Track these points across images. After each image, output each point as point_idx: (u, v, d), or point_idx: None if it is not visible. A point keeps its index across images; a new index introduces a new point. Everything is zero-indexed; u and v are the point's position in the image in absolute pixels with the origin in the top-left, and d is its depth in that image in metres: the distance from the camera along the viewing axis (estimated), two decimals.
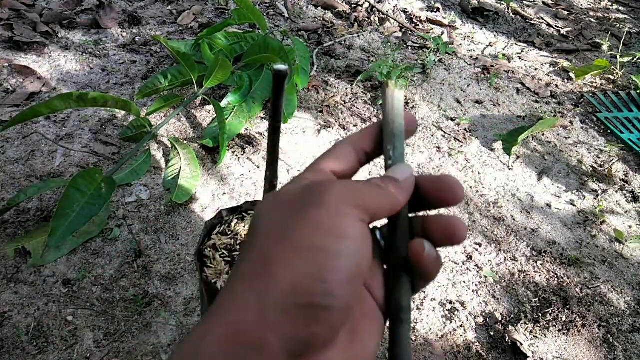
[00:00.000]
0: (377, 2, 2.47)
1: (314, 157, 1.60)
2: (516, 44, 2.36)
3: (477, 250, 1.36)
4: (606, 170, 1.66)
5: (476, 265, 1.32)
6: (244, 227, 0.84)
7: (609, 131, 1.85)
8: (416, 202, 0.34)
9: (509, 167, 1.65)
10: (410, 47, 2.21)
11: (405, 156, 0.35)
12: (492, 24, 2.50)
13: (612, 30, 2.53)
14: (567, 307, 1.24)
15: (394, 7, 2.49)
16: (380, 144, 0.36)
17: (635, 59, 2.20)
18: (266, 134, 1.64)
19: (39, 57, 1.82)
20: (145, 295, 1.15)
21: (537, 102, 1.97)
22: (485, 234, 1.41)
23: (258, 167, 1.52)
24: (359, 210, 0.29)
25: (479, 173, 1.61)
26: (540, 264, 1.34)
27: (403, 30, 2.33)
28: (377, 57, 2.09)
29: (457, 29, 2.42)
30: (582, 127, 1.87)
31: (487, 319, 1.20)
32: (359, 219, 0.29)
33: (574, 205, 1.54)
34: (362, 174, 1.54)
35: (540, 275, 1.31)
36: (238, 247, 0.81)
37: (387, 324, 0.32)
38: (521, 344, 1.13)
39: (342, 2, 2.45)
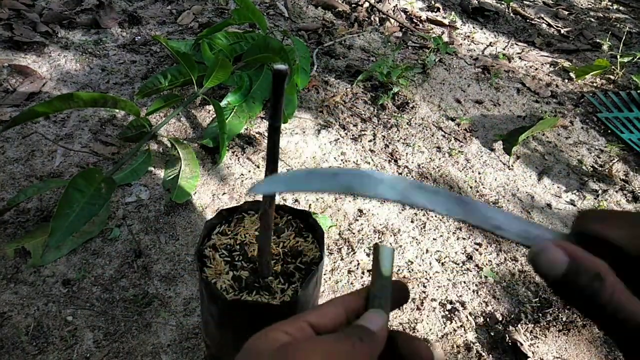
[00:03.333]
0: (377, 2, 2.47)
1: (314, 157, 1.61)
2: (516, 44, 2.35)
3: (477, 250, 1.36)
4: (606, 170, 1.66)
5: (476, 266, 1.32)
6: (243, 227, 0.84)
7: (609, 131, 1.85)
8: (388, 356, 0.34)
9: (509, 167, 1.65)
10: (410, 47, 2.21)
11: (387, 308, 0.36)
12: (492, 23, 2.50)
13: (612, 30, 2.53)
14: (568, 307, 1.24)
15: (394, 6, 2.48)
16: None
17: (635, 59, 2.20)
18: (266, 134, 1.64)
19: (38, 57, 1.82)
20: (145, 295, 1.15)
21: (537, 102, 1.97)
22: (485, 234, 1.41)
23: (258, 167, 1.51)
24: None
25: (479, 173, 1.61)
26: None
27: (403, 30, 2.33)
28: (377, 57, 2.09)
29: (457, 28, 2.42)
30: (582, 127, 1.86)
31: (488, 319, 1.20)
32: None
33: (575, 205, 1.54)
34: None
35: None
36: (238, 247, 0.81)
37: None
38: (521, 344, 1.13)
39: (342, 2, 2.45)
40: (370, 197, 0.33)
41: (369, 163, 1.58)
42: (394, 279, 0.37)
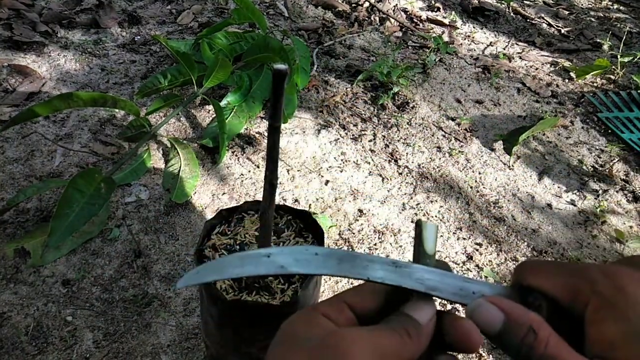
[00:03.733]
0: (378, 2, 2.46)
1: (314, 157, 1.60)
2: (517, 44, 2.35)
3: (477, 250, 1.36)
4: (607, 170, 1.66)
5: (477, 266, 1.32)
6: (243, 227, 0.83)
7: (609, 131, 1.84)
8: (434, 339, 0.32)
9: (509, 167, 1.65)
10: (410, 47, 2.20)
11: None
12: (492, 23, 2.50)
13: (612, 30, 2.53)
14: None
15: (394, 6, 2.48)
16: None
17: (635, 59, 2.20)
18: (266, 134, 1.64)
19: (38, 56, 1.82)
20: (145, 295, 1.15)
21: (537, 101, 1.97)
22: (485, 234, 1.41)
23: (258, 167, 1.51)
24: None
25: (479, 173, 1.61)
26: None
27: (403, 29, 2.32)
28: (377, 57, 2.09)
29: (458, 28, 2.41)
30: (582, 127, 1.86)
31: None
32: None
33: (575, 205, 1.54)
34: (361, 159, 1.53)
35: None
36: (238, 247, 0.80)
37: None
38: None
39: (342, 2, 2.44)
40: (307, 275, 0.32)
41: (369, 163, 1.58)
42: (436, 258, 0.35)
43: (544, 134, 1.80)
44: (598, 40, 2.40)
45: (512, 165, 1.65)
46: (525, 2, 2.72)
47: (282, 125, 1.66)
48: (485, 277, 1.29)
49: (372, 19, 2.36)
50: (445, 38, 2.30)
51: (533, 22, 2.54)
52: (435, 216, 1.44)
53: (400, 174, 1.56)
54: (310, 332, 0.30)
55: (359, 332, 0.29)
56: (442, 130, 1.75)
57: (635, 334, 0.27)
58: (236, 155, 1.54)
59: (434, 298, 0.34)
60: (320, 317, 0.31)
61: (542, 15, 2.61)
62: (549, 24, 2.54)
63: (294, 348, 0.29)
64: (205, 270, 0.33)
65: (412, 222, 1.41)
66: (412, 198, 1.48)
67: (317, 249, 0.34)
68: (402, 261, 0.34)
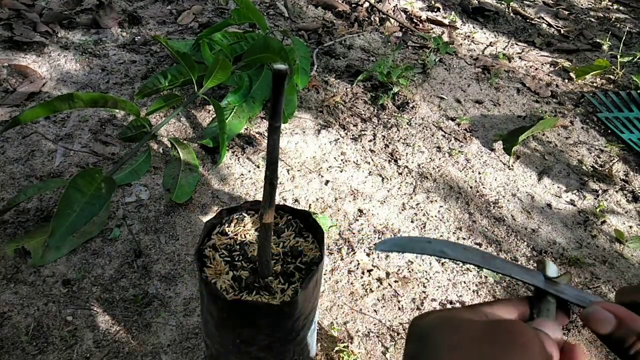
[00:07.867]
0: (377, 2, 2.47)
1: (314, 157, 1.60)
2: (516, 44, 2.35)
3: None
4: (606, 170, 1.66)
5: (477, 265, 1.32)
6: (243, 227, 0.84)
7: (609, 131, 1.85)
8: None
9: (509, 167, 1.65)
10: (410, 47, 2.21)
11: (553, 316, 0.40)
12: (492, 23, 2.50)
13: (612, 30, 2.53)
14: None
15: (394, 6, 2.48)
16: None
17: (635, 59, 2.20)
18: (266, 134, 1.64)
19: (38, 56, 1.82)
20: (145, 295, 1.15)
21: (537, 102, 1.97)
22: (485, 234, 1.41)
23: (258, 167, 1.51)
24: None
25: (479, 173, 1.61)
26: None
27: (403, 30, 2.32)
28: (377, 57, 2.09)
29: (458, 28, 2.42)
30: (582, 127, 1.86)
31: None
32: None
33: (575, 205, 1.54)
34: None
35: None
36: (238, 247, 0.81)
37: None
38: None
39: (342, 2, 2.45)
40: (459, 261, 0.37)
41: (369, 163, 1.58)
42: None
43: (543, 134, 1.80)
44: (598, 41, 2.40)
45: (512, 165, 1.65)
46: (525, 2, 2.72)
47: (282, 125, 1.67)
48: (485, 276, 1.29)
49: (372, 19, 2.36)
50: (445, 38, 2.30)
51: (533, 22, 2.54)
52: (435, 216, 1.44)
53: (400, 174, 1.56)
54: (472, 324, 0.32)
55: (527, 325, 0.32)
56: (442, 130, 1.75)
57: None
58: (236, 155, 1.54)
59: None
60: (468, 316, 0.34)
61: (542, 15, 2.61)
62: (549, 24, 2.54)
63: (460, 331, 0.31)
64: (391, 243, 0.44)
65: (411, 222, 1.41)
66: (412, 198, 1.49)
67: (464, 246, 0.44)
68: (532, 268, 0.42)
